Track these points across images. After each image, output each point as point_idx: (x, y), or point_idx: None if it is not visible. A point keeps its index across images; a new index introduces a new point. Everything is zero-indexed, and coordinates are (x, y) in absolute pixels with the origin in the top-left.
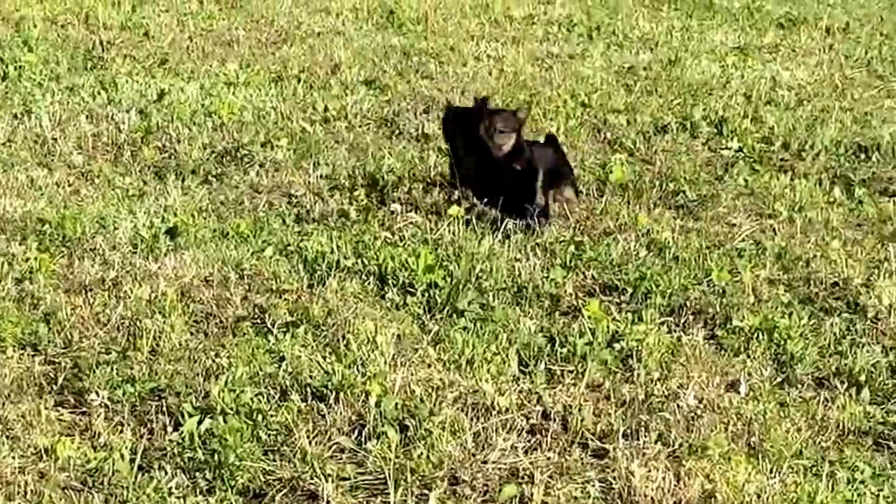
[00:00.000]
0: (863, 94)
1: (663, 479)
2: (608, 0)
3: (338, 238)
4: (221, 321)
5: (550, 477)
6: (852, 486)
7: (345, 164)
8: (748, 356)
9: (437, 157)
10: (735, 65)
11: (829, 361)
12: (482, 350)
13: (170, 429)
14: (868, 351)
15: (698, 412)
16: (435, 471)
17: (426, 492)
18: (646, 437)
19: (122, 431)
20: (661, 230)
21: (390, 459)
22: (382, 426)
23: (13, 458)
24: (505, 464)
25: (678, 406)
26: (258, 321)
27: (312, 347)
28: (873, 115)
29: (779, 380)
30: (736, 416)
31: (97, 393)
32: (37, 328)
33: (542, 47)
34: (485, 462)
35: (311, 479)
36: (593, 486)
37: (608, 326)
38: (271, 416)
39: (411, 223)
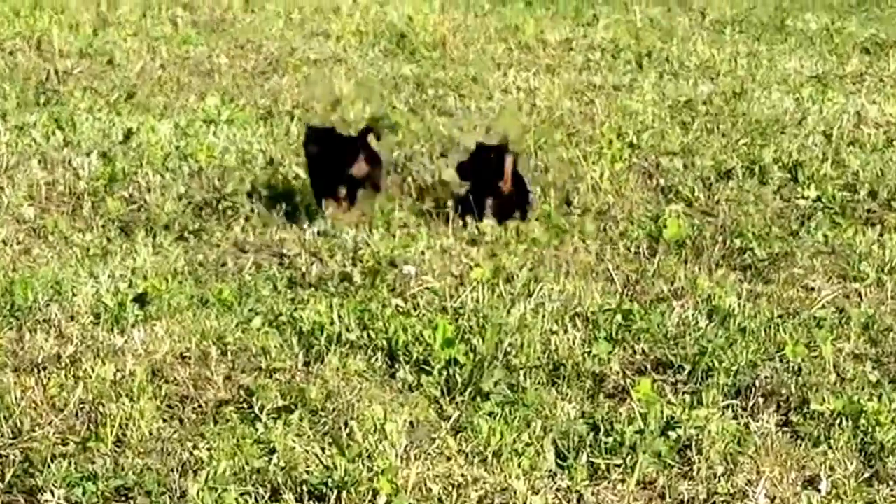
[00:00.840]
0: None
1: None
2: (660, 21)
3: (339, 306)
4: (200, 406)
5: None
6: None
7: (349, 221)
8: (829, 446)
9: (458, 209)
10: (812, 97)
11: None
12: (512, 440)
13: None
14: None
15: None
16: None
17: None
18: None
19: None
20: (724, 295)
21: None
22: None
23: None
24: None
25: None
26: (244, 406)
27: (309, 437)
28: None
29: (866, 475)
30: None
31: (52, 492)
32: None
33: (581, 77)
34: None
35: None
36: None
37: (662, 411)
38: None
39: (427, 288)
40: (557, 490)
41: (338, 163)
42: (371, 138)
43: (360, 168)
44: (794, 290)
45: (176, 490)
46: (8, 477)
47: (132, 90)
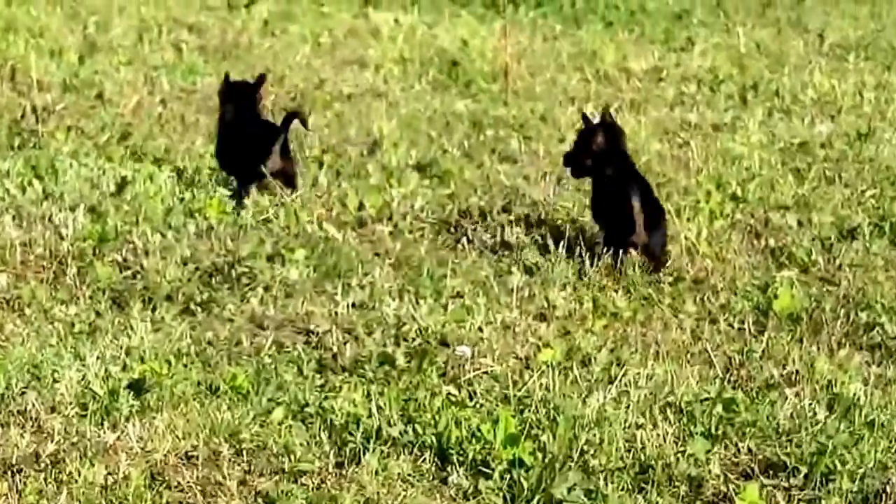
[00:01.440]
0: None
1: None
2: (769, 46)
3: (378, 395)
4: None
5: None
6: None
7: (388, 288)
8: None
9: (522, 275)
10: None
11: None
12: None
13: None
14: None
15: None
16: None
17: None
18: None
19: None
20: (848, 381)
21: None
22: None
23: None
24: None
25: None
26: None
27: None
28: None
29: None
30: None
31: None
32: None
33: (673, 114)
34: None
35: None
36: None
37: None
38: None
39: (485, 373)
40: None
41: (255, 153)
42: (296, 126)
43: (273, 163)
44: None
45: None
46: None
47: (126, 130)
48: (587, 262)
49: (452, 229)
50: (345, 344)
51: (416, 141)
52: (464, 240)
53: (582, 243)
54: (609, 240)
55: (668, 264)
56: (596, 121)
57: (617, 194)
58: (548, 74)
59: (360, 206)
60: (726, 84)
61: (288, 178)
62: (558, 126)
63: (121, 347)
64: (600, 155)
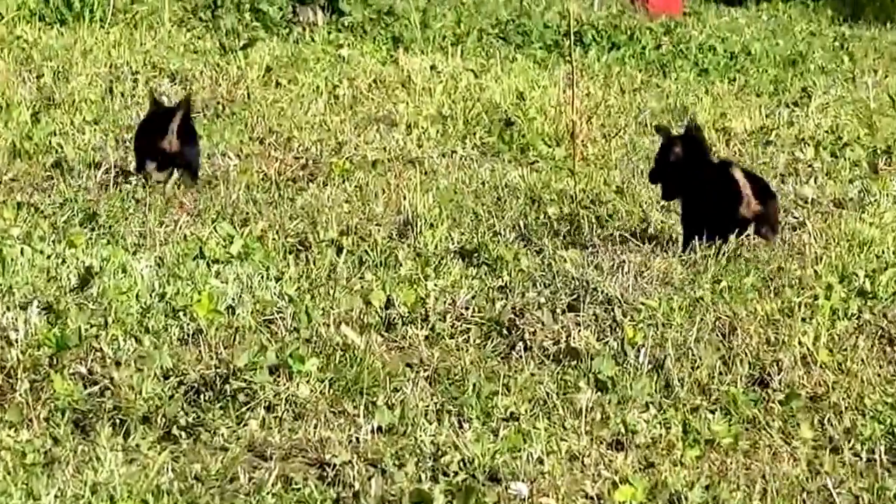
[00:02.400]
0: None
1: None
2: None
3: None
4: None
5: None
6: None
7: (423, 407)
8: None
9: (592, 392)
10: None
11: None
12: None
13: None
14: None
15: None
16: None
17: None
18: None
19: None
20: None
21: None
22: None
23: None
24: None
25: None
26: None
27: None
28: None
29: None
30: None
31: None
32: None
33: (784, 186)
34: None
35: None
36: None
37: None
38: None
39: None
40: None
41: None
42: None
43: (170, 143)
44: None
45: None
46: None
47: (91, 208)
48: (675, 375)
49: (505, 332)
50: (369, 479)
51: (458, 220)
52: (519, 346)
53: (669, 351)
54: (715, 230)
55: (776, 377)
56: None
57: (713, 185)
58: (626, 137)
59: (388, 303)
60: (852, 148)
61: (186, 164)
62: (639, 202)
63: (85, 484)
64: (683, 166)
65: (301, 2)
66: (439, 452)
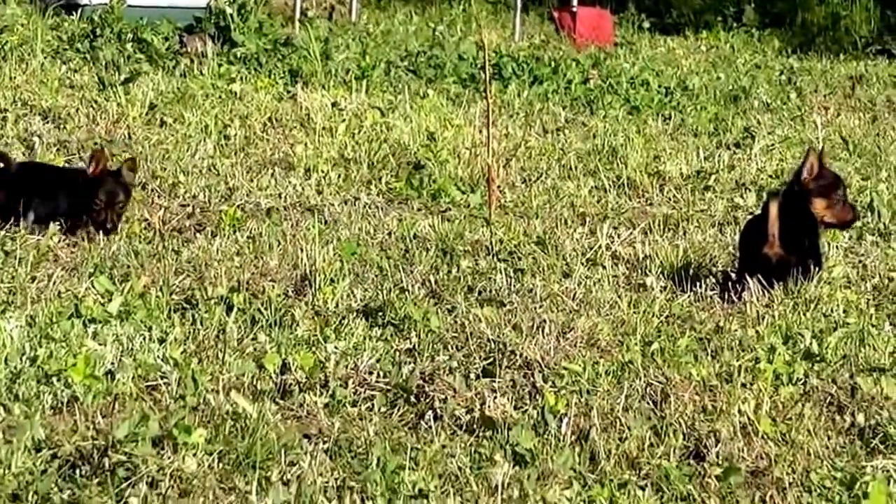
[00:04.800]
0: None
1: None
2: (861, 140)
3: None
4: None
5: None
6: None
7: (322, 484)
8: None
9: (510, 466)
10: None
11: None
12: None
13: None
14: None
15: None
16: None
17: None
18: None
19: None
20: None
21: None
22: None
23: None
24: None
25: None
26: None
27: None
28: None
29: None
30: None
31: None
32: None
33: (724, 238)
34: None
35: None
36: None
37: None
38: None
39: None
40: None
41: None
42: None
43: None
44: None
45: None
46: None
47: None
48: (601, 447)
49: (413, 400)
50: None
51: (362, 275)
52: (429, 415)
53: (595, 421)
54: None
55: (713, 450)
56: None
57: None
58: (549, 181)
59: (284, 368)
60: None
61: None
62: (563, 254)
63: None
64: None
65: (189, 31)
66: None
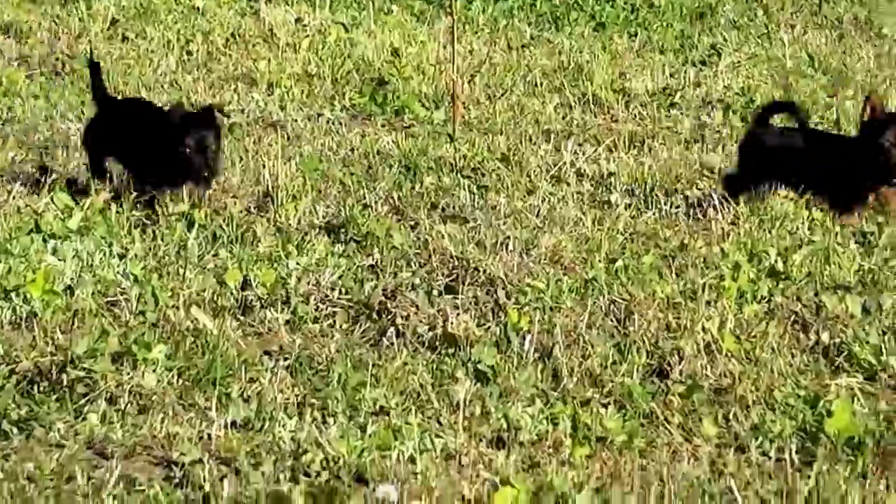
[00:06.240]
0: None
1: None
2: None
3: None
4: None
5: None
6: None
7: (283, 401)
8: None
9: (471, 384)
10: None
11: None
12: None
13: None
14: None
15: None
16: None
17: None
18: None
19: None
20: None
21: None
22: None
23: None
24: None
25: None
26: None
27: None
28: None
29: None
30: None
31: None
32: None
33: (690, 155)
34: None
35: None
36: None
37: None
38: None
39: None
40: None
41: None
42: None
43: None
44: None
45: None
46: None
47: None
48: (564, 365)
49: (375, 317)
50: (221, 480)
51: (324, 191)
52: (390, 332)
53: (558, 338)
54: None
55: (676, 367)
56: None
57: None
58: (513, 98)
59: (245, 284)
60: None
61: None
62: (527, 171)
63: None
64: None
65: None
66: (300, 450)
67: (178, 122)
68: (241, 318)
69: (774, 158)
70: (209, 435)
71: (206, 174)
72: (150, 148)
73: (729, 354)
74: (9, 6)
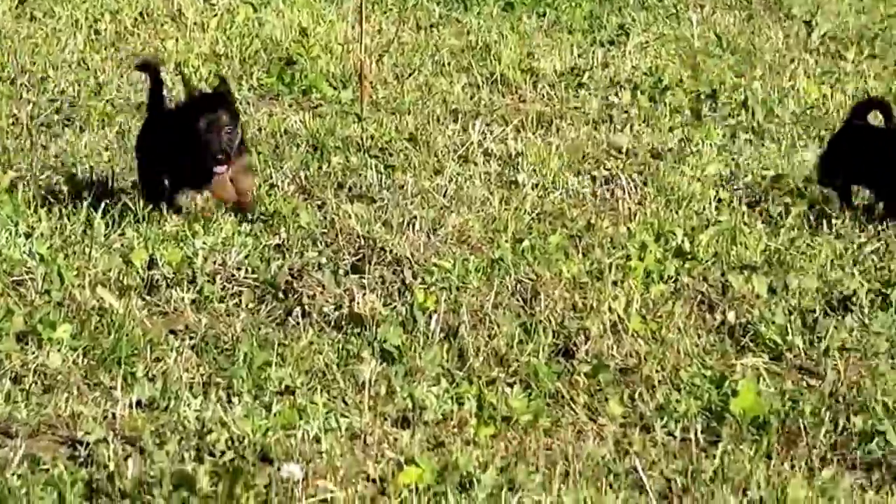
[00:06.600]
0: None
1: None
2: (735, 38)
3: None
4: None
5: None
6: None
7: (188, 380)
8: None
9: (377, 363)
10: None
11: None
12: None
13: None
14: None
15: None
16: None
17: None
18: None
19: None
20: None
21: None
22: None
23: None
24: None
25: None
26: None
27: None
28: None
29: None
30: None
31: None
32: None
33: (597, 135)
34: None
35: None
36: None
37: None
38: None
39: (323, 502)
40: None
41: None
42: None
43: None
44: None
45: None
46: None
47: None
48: (470, 345)
49: (281, 296)
50: (126, 459)
51: None
52: (297, 311)
53: (464, 318)
54: None
55: (582, 347)
56: None
57: None
58: (421, 78)
59: (151, 263)
60: (673, 92)
61: None
62: (434, 151)
63: None
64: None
65: None
66: (205, 429)
67: (189, 106)
68: (147, 297)
69: (860, 155)
70: (114, 414)
71: (222, 155)
72: (171, 142)
73: (635, 334)
74: None
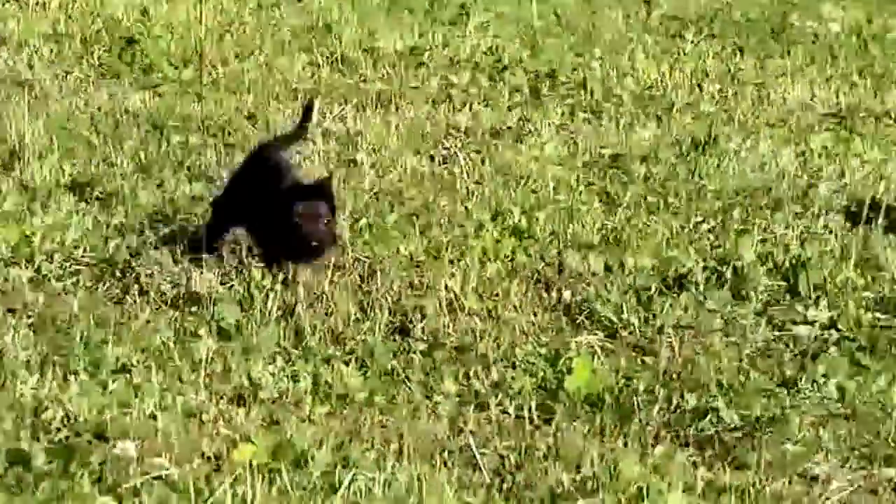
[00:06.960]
0: None
1: None
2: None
3: None
4: None
5: None
6: None
7: (24, 358)
8: None
9: (214, 341)
10: (828, 152)
11: None
12: None
13: None
14: None
15: None
16: None
17: None
18: None
19: None
20: (667, 489)
21: None
22: None
23: None
24: None
25: None
26: None
27: None
28: None
29: None
30: None
31: None
32: None
33: (436, 114)
34: None
35: None
36: None
37: None
38: None
39: (157, 478)
40: None
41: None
42: None
43: None
44: (786, 481)
45: None
46: None
47: None
48: (307, 323)
49: (119, 275)
50: None
51: (71, 150)
52: (134, 290)
53: (301, 297)
54: None
55: (418, 325)
56: None
57: None
58: (261, 58)
59: None
60: (512, 71)
61: None
62: (274, 130)
63: None
64: None
65: None
66: (41, 407)
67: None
68: None
69: None
70: None
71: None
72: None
73: (471, 312)
74: None
